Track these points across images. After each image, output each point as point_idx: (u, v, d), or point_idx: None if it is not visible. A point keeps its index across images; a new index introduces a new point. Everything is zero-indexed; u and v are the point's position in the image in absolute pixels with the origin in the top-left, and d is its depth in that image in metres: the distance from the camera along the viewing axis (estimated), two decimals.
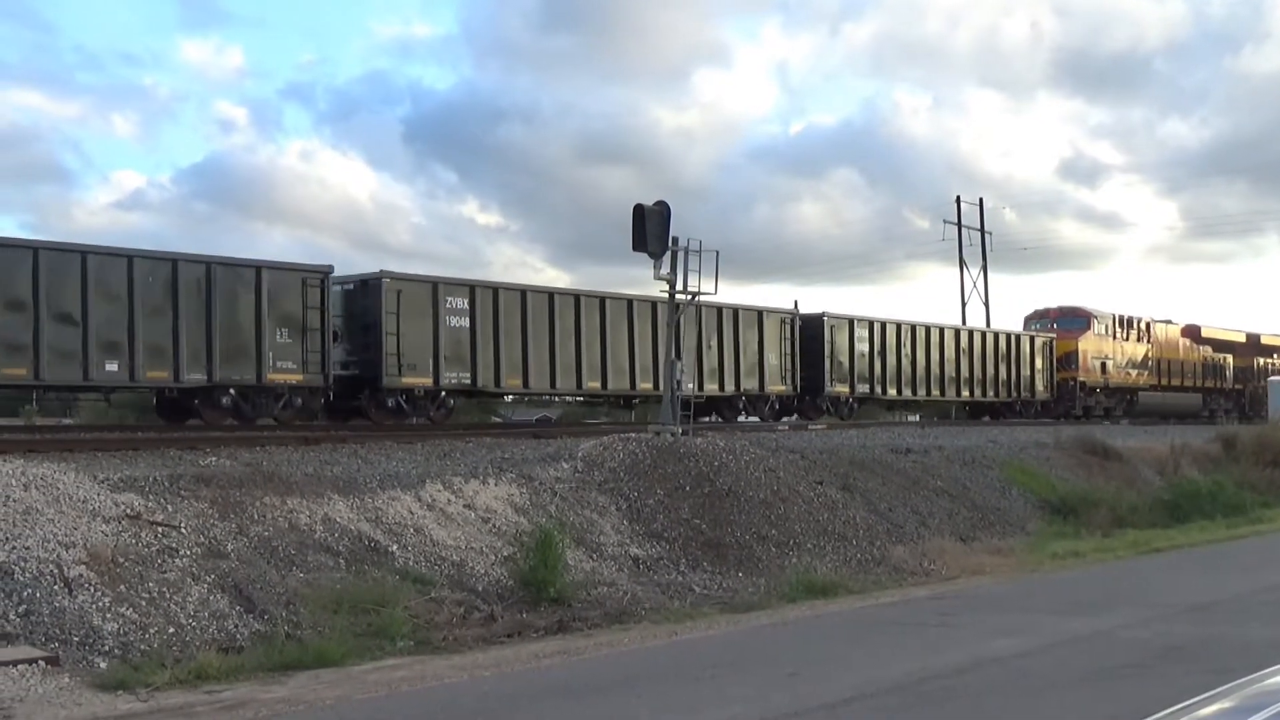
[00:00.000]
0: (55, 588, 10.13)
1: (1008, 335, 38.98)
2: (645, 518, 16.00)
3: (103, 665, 9.53)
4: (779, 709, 8.33)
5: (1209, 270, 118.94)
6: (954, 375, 35.67)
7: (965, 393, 36.29)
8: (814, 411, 31.58)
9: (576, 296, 26.09)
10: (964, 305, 54.93)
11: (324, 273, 21.79)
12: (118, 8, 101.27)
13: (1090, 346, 40.68)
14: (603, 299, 26.39)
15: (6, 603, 9.84)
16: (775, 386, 29.99)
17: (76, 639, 9.74)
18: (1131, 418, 40.93)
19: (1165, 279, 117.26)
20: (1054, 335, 40.06)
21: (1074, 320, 41.10)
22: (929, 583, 15.96)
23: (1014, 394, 38.08)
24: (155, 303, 19.50)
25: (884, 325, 33.26)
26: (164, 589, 10.69)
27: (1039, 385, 38.86)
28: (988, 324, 51.36)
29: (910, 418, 38.17)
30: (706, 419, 27.80)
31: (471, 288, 23.94)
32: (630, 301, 26.77)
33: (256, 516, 12.49)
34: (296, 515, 12.80)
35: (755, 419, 29.45)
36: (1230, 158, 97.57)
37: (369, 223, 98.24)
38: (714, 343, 28.10)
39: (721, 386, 28.51)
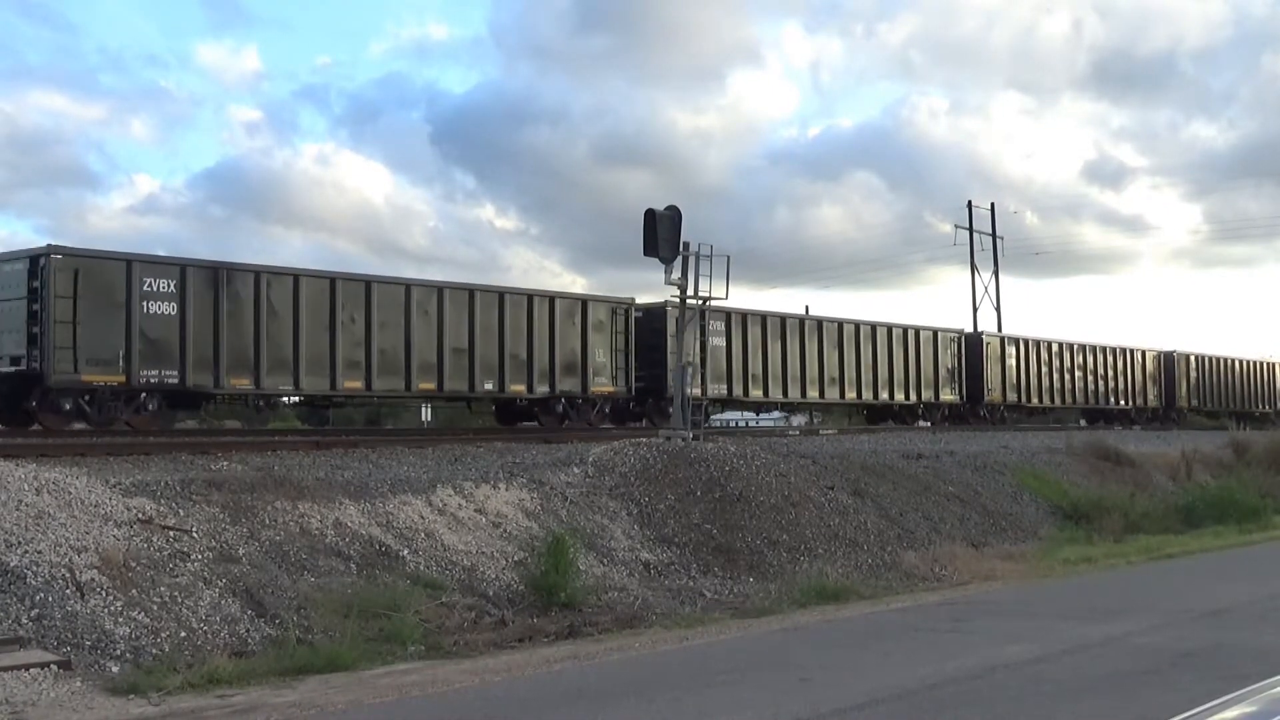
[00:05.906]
0: (67, 592, 10.14)
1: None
2: (656, 523, 15.99)
3: (114, 669, 9.54)
4: (791, 715, 8.29)
5: (1232, 274, 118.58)
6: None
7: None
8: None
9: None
10: (975, 309, 54.91)
11: None
12: (143, 8, 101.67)
13: None
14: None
15: (19, 607, 9.86)
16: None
17: (88, 643, 9.75)
18: None
19: (1187, 283, 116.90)
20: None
21: None
22: (941, 588, 15.91)
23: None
24: None
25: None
26: (175, 593, 10.70)
27: None
28: (999, 328, 51.25)
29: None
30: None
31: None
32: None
33: (268, 521, 12.50)
34: (308, 520, 12.81)
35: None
36: (1258, 160, 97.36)
37: (386, 226, 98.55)
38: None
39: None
